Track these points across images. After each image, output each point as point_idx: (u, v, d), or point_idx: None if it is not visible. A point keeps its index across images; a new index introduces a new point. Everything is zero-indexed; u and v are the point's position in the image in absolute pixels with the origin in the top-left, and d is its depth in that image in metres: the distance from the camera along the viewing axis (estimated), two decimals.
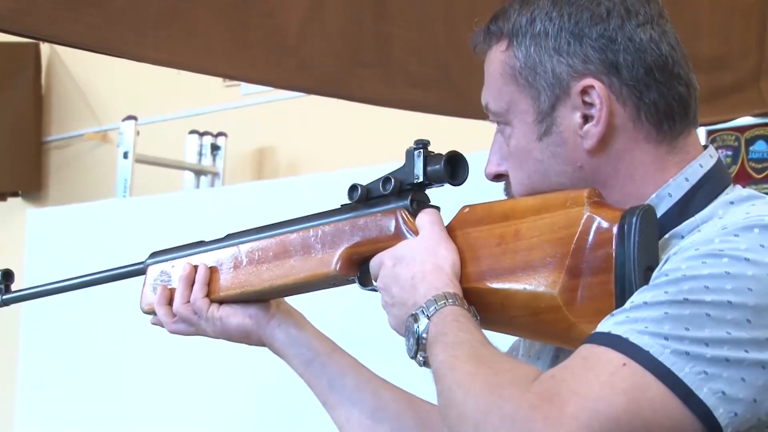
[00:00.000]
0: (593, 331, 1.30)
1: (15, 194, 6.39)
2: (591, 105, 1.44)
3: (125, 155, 5.41)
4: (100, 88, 6.25)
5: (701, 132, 3.60)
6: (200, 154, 5.56)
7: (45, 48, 6.34)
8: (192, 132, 5.57)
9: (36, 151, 6.39)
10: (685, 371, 1.23)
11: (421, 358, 1.42)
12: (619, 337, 1.26)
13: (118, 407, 4.14)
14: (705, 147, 1.50)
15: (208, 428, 3.93)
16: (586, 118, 1.45)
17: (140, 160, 5.46)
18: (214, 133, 5.58)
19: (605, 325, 1.29)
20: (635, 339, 1.25)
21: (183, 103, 5.76)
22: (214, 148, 5.56)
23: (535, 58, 1.46)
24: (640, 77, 1.44)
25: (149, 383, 4.06)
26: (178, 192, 5.20)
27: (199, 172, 5.56)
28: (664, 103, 1.45)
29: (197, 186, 5.53)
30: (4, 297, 2.01)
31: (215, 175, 5.56)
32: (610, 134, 1.44)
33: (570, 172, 1.46)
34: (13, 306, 2.18)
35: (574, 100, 1.45)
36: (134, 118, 5.45)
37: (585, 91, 1.44)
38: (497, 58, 1.50)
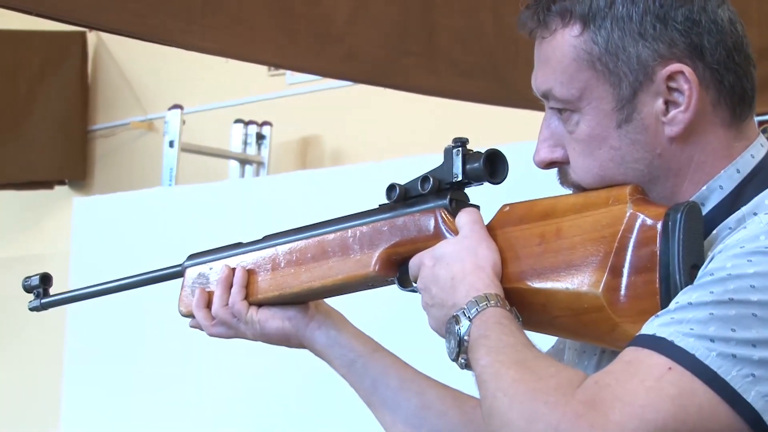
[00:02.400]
0: (637, 334, 1.27)
1: (61, 182, 6.43)
2: (676, 90, 1.39)
3: (171, 144, 5.42)
4: (145, 77, 6.27)
5: None
6: (245, 143, 5.56)
7: (91, 37, 6.37)
8: (237, 121, 5.58)
9: (82, 140, 6.43)
10: (732, 374, 1.20)
11: (462, 361, 1.39)
12: (663, 339, 1.23)
13: (162, 407, 4.15)
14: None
15: (253, 428, 3.93)
16: (668, 104, 1.40)
17: (186, 149, 5.47)
18: (259, 122, 5.58)
19: (650, 327, 1.26)
20: (680, 342, 1.22)
21: (228, 92, 5.77)
22: (259, 137, 5.56)
23: (618, 43, 1.39)
24: (722, 60, 1.39)
25: (194, 383, 4.07)
26: (223, 181, 5.20)
27: (244, 161, 5.57)
28: (740, 86, 1.40)
29: (242, 175, 5.54)
30: (43, 301, 1.99)
31: (260, 164, 5.56)
32: (695, 120, 1.39)
33: (648, 159, 1.41)
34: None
35: (659, 86, 1.39)
36: (180, 107, 5.46)
37: (671, 77, 1.39)
38: (568, 43, 1.42)
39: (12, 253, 6.20)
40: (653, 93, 1.40)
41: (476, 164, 1.52)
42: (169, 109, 5.50)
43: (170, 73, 5.97)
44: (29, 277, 2.01)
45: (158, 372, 4.16)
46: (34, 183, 6.30)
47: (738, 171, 1.42)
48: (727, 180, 1.41)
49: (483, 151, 1.53)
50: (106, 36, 6.04)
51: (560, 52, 1.43)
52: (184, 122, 5.46)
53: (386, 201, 1.61)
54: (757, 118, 3.61)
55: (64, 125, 6.33)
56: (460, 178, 1.53)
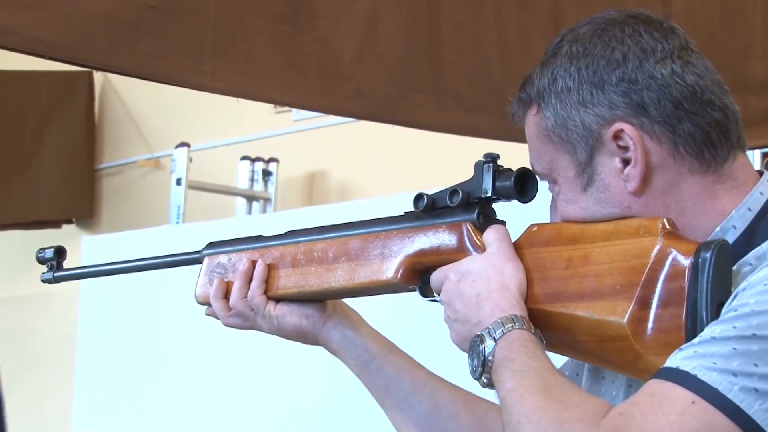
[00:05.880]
0: (661, 366, 1.29)
1: (69, 221, 6.45)
2: (626, 148, 1.45)
3: (178, 182, 5.43)
4: (152, 116, 6.30)
5: (756, 155, 3.57)
6: (252, 179, 5.58)
7: (98, 76, 6.40)
8: (244, 158, 5.60)
9: (89, 179, 6.45)
10: (754, 408, 1.23)
11: (485, 380, 1.42)
12: (687, 373, 1.26)
13: (174, 404, 4.15)
14: (760, 172, 1.49)
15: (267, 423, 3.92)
16: (626, 162, 1.45)
17: (193, 186, 5.48)
18: (266, 158, 5.60)
19: (673, 360, 1.29)
20: (704, 376, 1.25)
21: (235, 130, 5.80)
22: (266, 173, 5.58)
23: (563, 114, 1.47)
24: (669, 111, 1.44)
25: (207, 380, 4.07)
26: (230, 218, 5.22)
27: (251, 198, 5.58)
28: (700, 132, 1.44)
29: (249, 212, 5.56)
30: (56, 274, 1.97)
31: (267, 200, 5.58)
32: (652, 172, 1.45)
33: (618, 213, 1.46)
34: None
35: (609, 146, 1.45)
36: (187, 144, 5.49)
37: (617, 136, 1.45)
38: (531, 123, 1.52)
39: (21, 292, 6.21)
40: (608, 154, 1.46)
41: (507, 182, 1.54)
42: (176, 146, 5.53)
43: (176, 111, 5.99)
44: (43, 249, 1.98)
45: (171, 402, 4.16)
46: (41, 222, 6.31)
47: (749, 209, 1.45)
48: (739, 219, 1.44)
49: (513, 169, 1.56)
50: (112, 75, 6.06)
51: (529, 132, 1.53)
52: (191, 160, 5.48)
53: (412, 209, 1.62)
54: (763, 150, 3.63)
55: (71, 164, 6.35)
56: (489, 194, 1.55)
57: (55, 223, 6.39)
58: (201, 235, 4.46)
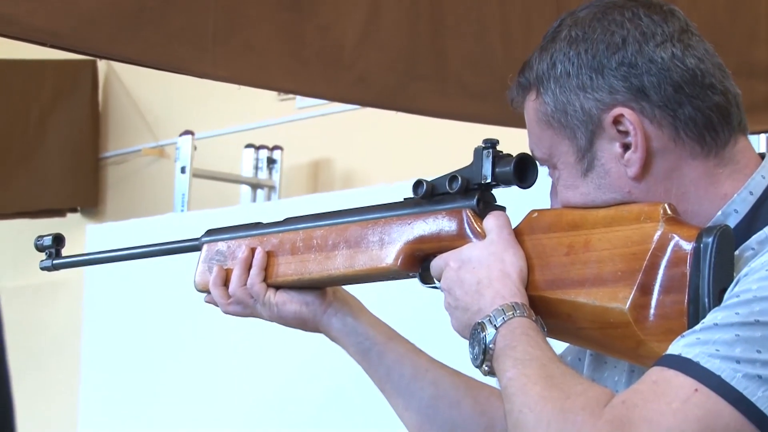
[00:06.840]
0: (664, 353, 1.29)
1: (74, 210, 6.46)
2: (626, 133, 1.43)
3: (182, 170, 5.43)
4: (156, 104, 6.30)
5: (761, 139, 3.57)
6: (256, 167, 5.58)
7: (102, 65, 6.40)
8: (248, 146, 5.60)
9: (94, 167, 6.45)
10: (757, 395, 1.22)
11: (486, 368, 1.41)
12: (689, 360, 1.25)
13: (180, 394, 4.16)
14: (762, 155, 1.48)
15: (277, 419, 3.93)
16: (626, 147, 1.44)
17: (197, 174, 5.48)
18: (270, 146, 5.60)
19: (675, 347, 1.28)
20: (706, 363, 1.24)
21: (239, 117, 5.79)
22: (270, 161, 5.58)
23: (563, 99, 1.46)
24: (670, 96, 1.42)
25: (213, 368, 4.07)
26: (235, 206, 5.22)
27: (255, 186, 5.58)
28: (701, 116, 1.43)
29: (254, 200, 5.56)
30: (55, 262, 1.95)
31: (271, 188, 5.58)
32: (652, 157, 1.43)
33: (619, 199, 1.45)
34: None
35: (609, 131, 1.44)
36: (191, 132, 5.48)
37: (617, 121, 1.43)
38: (531, 108, 1.50)
39: (26, 281, 6.22)
40: (608, 139, 1.45)
41: (507, 168, 1.53)
42: (180, 135, 5.53)
43: (180, 100, 5.99)
44: (42, 237, 1.97)
45: (177, 392, 4.17)
46: (46, 211, 6.32)
47: (751, 193, 1.43)
48: (741, 203, 1.43)
49: (513, 154, 1.55)
50: (116, 64, 6.06)
51: (528, 117, 1.52)
52: (195, 148, 5.48)
53: (411, 195, 1.61)
54: None
55: (75, 153, 6.36)
56: (489, 180, 1.54)
57: (60, 212, 6.40)
58: (205, 223, 4.45)
